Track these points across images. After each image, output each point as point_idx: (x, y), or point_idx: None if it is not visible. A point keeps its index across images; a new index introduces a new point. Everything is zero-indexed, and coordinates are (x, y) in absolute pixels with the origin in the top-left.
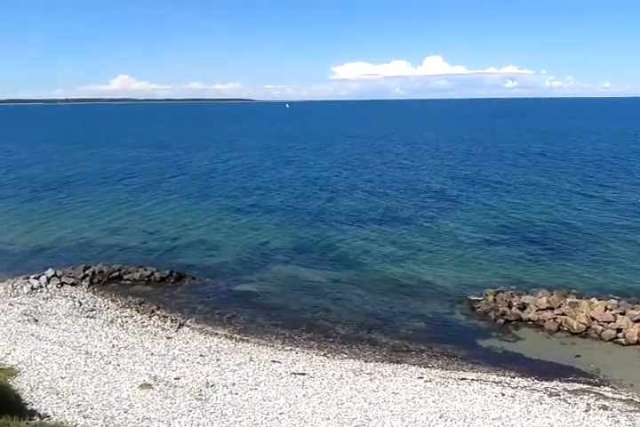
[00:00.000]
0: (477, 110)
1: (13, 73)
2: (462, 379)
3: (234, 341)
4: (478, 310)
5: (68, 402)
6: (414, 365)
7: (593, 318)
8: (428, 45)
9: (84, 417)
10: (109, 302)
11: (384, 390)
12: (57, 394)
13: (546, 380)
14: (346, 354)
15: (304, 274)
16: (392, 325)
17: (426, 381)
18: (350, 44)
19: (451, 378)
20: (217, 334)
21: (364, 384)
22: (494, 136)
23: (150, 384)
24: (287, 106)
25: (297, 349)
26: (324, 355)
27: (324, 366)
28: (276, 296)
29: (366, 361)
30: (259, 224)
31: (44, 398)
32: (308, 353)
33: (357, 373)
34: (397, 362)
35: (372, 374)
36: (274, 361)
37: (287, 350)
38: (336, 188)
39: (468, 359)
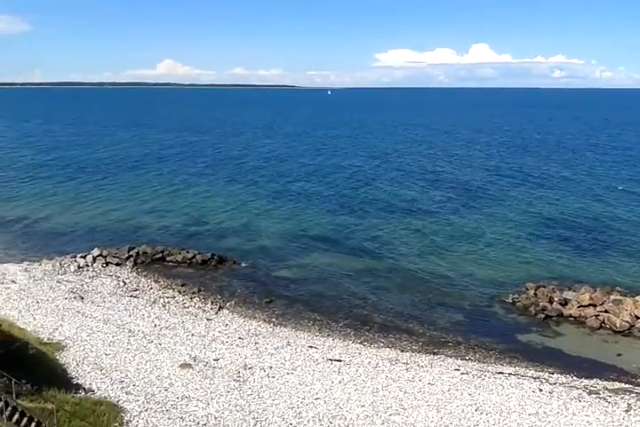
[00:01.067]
0: (523, 100)
1: (64, 57)
2: (499, 373)
3: (272, 325)
4: (518, 304)
5: (111, 378)
6: (451, 357)
7: (637, 317)
8: (474, 33)
9: (127, 393)
10: (152, 283)
11: (420, 380)
12: (101, 370)
13: (585, 377)
14: (382, 343)
15: (342, 262)
16: (429, 316)
17: (462, 373)
18: (395, 31)
19: (488, 371)
20: (255, 317)
21: (400, 374)
22: (537, 127)
23: (190, 364)
24: (329, 93)
25: (333, 335)
26: (361, 343)
27: (360, 353)
28: (314, 283)
29: (402, 351)
30: (299, 211)
31: (88, 373)
32: (344, 340)
33: (393, 362)
34: (434, 353)
35: (408, 363)
36: (311, 347)
37: (324, 337)
38: (375, 177)
39: (505, 353)
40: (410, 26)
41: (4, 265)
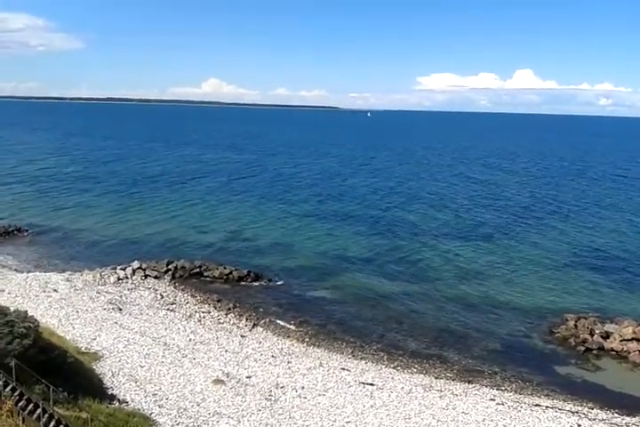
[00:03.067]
0: (567, 127)
1: (113, 73)
2: (536, 405)
3: (305, 345)
4: (557, 335)
5: (145, 390)
6: (486, 386)
7: None
8: (518, 58)
9: (159, 406)
10: (189, 297)
11: (454, 408)
12: (135, 382)
13: (627, 415)
14: (416, 369)
15: (377, 284)
16: (465, 343)
17: (498, 403)
18: (438, 55)
19: (524, 403)
20: (289, 336)
21: (434, 401)
22: (584, 155)
23: (223, 380)
24: (369, 114)
25: (366, 358)
26: (394, 367)
27: (393, 378)
28: (349, 304)
29: (436, 378)
30: (335, 231)
31: (123, 384)
32: (377, 364)
33: (427, 389)
34: (469, 382)
35: (441, 391)
36: (343, 369)
37: (357, 359)
38: (413, 199)
39: (543, 385)
40: (453, 50)
41: (48, 274)
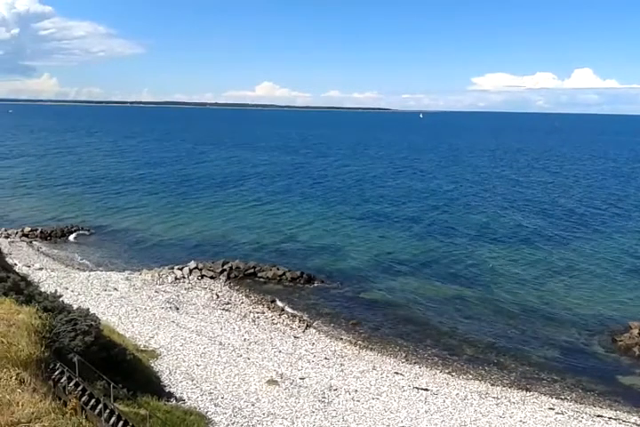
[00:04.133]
0: (631, 128)
1: (171, 78)
2: (598, 416)
3: (358, 347)
4: (620, 343)
5: (201, 389)
6: (545, 394)
7: None
8: (576, 57)
9: (215, 405)
10: (243, 297)
11: (511, 417)
12: (192, 380)
13: None
14: (471, 375)
15: (431, 288)
16: (522, 349)
17: (557, 413)
18: (492, 55)
19: (585, 413)
20: (342, 338)
21: (490, 408)
22: None
23: (277, 381)
24: (420, 116)
25: (420, 363)
26: (449, 373)
27: (447, 384)
28: (402, 308)
29: (493, 384)
30: (386, 233)
31: (180, 382)
32: (431, 369)
33: (483, 395)
34: (526, 389)
35: (498, 398)
36: (397, 373)
37: (410, 364)
38: (466, 202)
39: (605, 395)
40: (509, 50)
41: (108, 273)
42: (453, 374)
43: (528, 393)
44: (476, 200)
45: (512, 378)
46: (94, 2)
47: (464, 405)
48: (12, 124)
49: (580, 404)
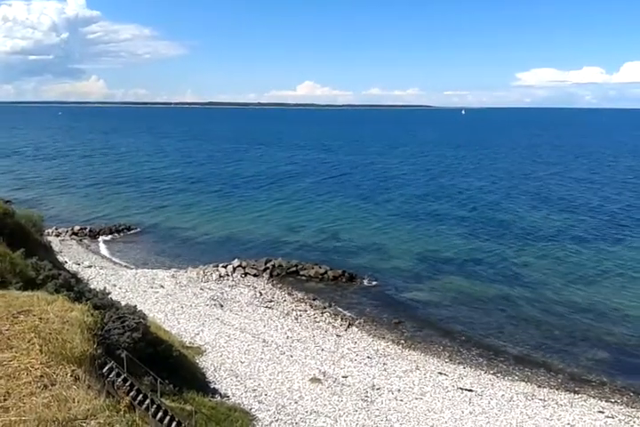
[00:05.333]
0: None
1: (215, 78)
2: None
3: (400, 347)
4: None
5: (245, 386)
6: (594, 397)
7: None
8: (626, 50)
9: (259, 402)
10: (286, 295)
11: (558, 419)
12: (236, 377)
13: None
14: (517, 376)
15: (476, 288)
16: (571, 351)
17: (607, 416)
18: (538, 50)
19: (637, 418)
20: (384, 337)
21: (537, 410)
22: None
23: (319, 379)
24: (463, 112)
25: (465, 363)
26: (494, 374)
27: (492, 385)
28: (446, 307)
29: (539, 386)
30: (428, 231)
31: (224, 378)
32: (476, 370)
33: (529, 397)
34: (575, 392)
35: (545, 400)
36: (440, 373)
37: (454, 364)
38: (509, 200)
39: None
40: (554, 44)
41: (155, 270)
42: (498, 375)
43: (576, 395)
44: (520, 198)
45: (559, 380)
46: (140, 5)
47: (510, 406)
48: (61, 125)
49: (632, 408)
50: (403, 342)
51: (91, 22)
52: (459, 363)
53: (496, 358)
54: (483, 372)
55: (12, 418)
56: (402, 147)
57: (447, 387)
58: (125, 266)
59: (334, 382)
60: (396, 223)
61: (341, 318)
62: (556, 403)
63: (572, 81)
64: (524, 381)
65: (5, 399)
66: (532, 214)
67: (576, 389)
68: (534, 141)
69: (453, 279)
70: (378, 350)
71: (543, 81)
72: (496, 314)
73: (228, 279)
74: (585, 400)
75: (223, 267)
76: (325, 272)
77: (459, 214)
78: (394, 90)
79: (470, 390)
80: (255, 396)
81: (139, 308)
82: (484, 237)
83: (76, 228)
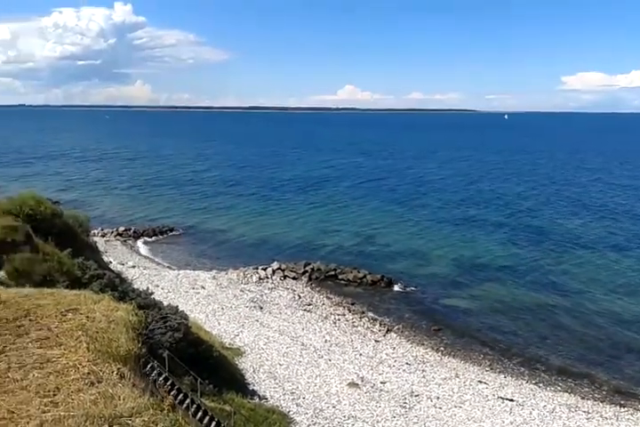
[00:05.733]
0: None
1: (256, 83)
2: None
3: (440, 354)
4: None
5: (283, 388)
6: None
7: None
8: None
9: (297, 405)
10: (324, 299)
11: None
12: (274, 379)
13: None
14: (560, 387)
15: (517, 295)
16: (615, 362)
17: None
18: (584, 53)
19: None
20: (423, 344)
21: (580, 423)
22: None
23: (357, 384)
24: (506, 117)
25: (505, 372)
26: (535, 384)
27: (534, 395)
28: (486, 315)
29: (583, 398)
30: (468, 237)
31: (263, 380)
32: (517, 379)
33: (572, 409)
34: (620, 405)
35: (589, 413)
36: (480, 381)
37: (495, 373)
38: (551, 206)
39: None
40: (601, 47)
41: (196, 272)
42: (540, 385)
43: (622, 409)
44: (560, 204)
45: (604, 392)
46: (184, 11)
47: (552, 418)
48: (109, 128)
49: None
50: (442, 349)
51: (137, 28)
52: (499, 372)
53: (538, 368)
54: (524, 382)
55: (62, 413)
56: (441, 151)
57: (487, 396)
58: (168, 267)
59: (372, 387)
60: (434, 228)
61: (380, 324)
62: (601, 416)
63: (619, 85)
64: (566, 392)
65: (55, 394)
66: (573, 221)
67: (622, 402)
68: (578, 147)
69: (492, 287)
70: (417, 356)
71: (589, 85)
72: (536, 323)
73: (267, 282)
74: (632, 414)
75: (263, 269)
76: (364, 276)
77: (497, 220)
78: (435, 94)
79: (511, 400)
80: (293, 399)
81: (180, 308)
82: (523, 244)
83: (121, 229)
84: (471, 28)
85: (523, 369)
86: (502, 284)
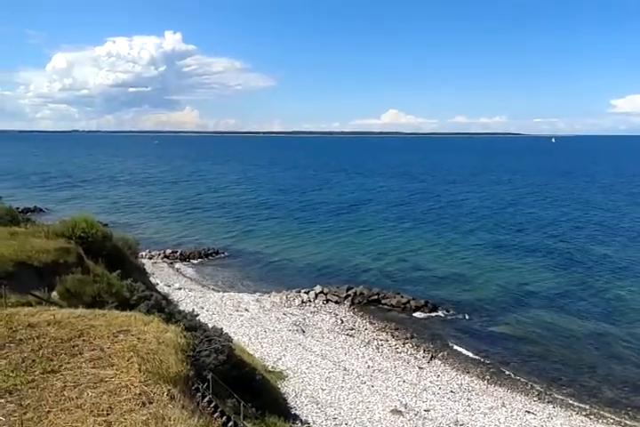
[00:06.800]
0: None
1: (301, 108)
2: None
3: (486, 382)
4: None
5: (325, 413)
6: None
7: None
8: None
9: None
10: (367, 324)
11: None
12: (317, 404)
13: None
14: (612, 419)
15: (566, 323)
16: None
17: None
18: (634, 76)
19: None
20: (468, 372)
21: None
22: None
23: (401, 411)
24: (553, 140)
25: (555, 403)
26: (586, 416)
27: None
28: (533, 343)
29: None
30: (513, 263)
31: (305, 405)
32: (566, 410)
33: None
34: None
35: None
36: (528, 412)
37: (543, 403)
38: (602, 231)
39: None
40: None
41: (240, 294)
42: (592, 417)
43: None
44: (613, 230)
45: None
46: (232, 39)
47: None
48: (157, 153)
49: None
50: (488, 377)
51: (186, 56)
52: (548, 402)
53: (589, 399)
54: (574, 413)
55: None
56: (486, 175)
57: None
58: (213, 289)
59: (416, 415)
60: (478, 253)
61: (424, 350)
62: None
63: None
64: (620, 425)
65: (108, 414)
66: (625, 249)
67: None
68: (629, 171)
69: (538, 313)
70: (462, 384)
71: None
72: (586, 352)
73: (309, 305)
74: None
75: (305, 293)
76: (407, 302)
77: (540, 245)
78: (480, 117)
79: None
80: (336, 424)
81: (224, 330)
82: (572, 271)
83: (168, 251)
84: (519, 51)
85: (572, 400)
86: (548, 310)
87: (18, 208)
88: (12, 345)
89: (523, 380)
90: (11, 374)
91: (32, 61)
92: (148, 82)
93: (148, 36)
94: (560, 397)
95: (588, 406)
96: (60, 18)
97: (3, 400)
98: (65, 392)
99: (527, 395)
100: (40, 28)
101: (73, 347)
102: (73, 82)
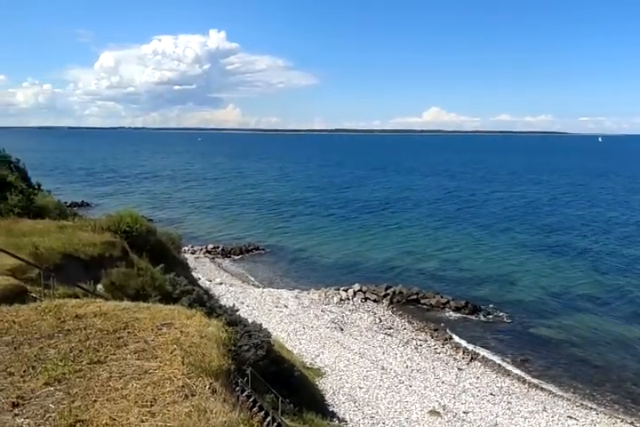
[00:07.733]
0: None
1: (342, 106)
2: None
3: (527, 386)
4: None
5: (363, 412)
6: None
7: None
8: None
9: None
10: (406, 323)
11: None
12: (354, 402)
13: None
14: None
15: (612, 328)
16: None
17: None
18: None
19: None
20: (509, 375)
21: None
22: None
23: (439, 412)
24: (599, 139)
25: (598, 409)
26: (631, 423)
27: None
28: (578, 347)
29: None
30: (557, 265)
31: (343, 403)
32: (610, 417)
33: None
34: None
35: None
36: (570, 417)
37: (586, 409)
38: None
39: None
40: None
41: (279, 290)
42: (637, 425)
43: None
44: None
45: None
46: (275, 37)
47: None
48: (200, 150)
49: None
50: (529, 380)
51: (230, 54)
52: (591, 408)
53: (634, 407)
54: (619, 420)
55: (159, 423)
56: (530, 175)
57: None
58: (253, 284)
59: (454, 416)
60: (521, 254)
61: (463, 351)
62: None
63: None
64: None
65: (152, 405)
66: None
67: None
68: None
69: (582, 317)
70: (502, 387)
71: None
72: (631, 358)
73: (348, 303)
74: None
75: (344, 290)
76: (447, 302)
77: (593, 247)
78: (524, 116)
79: None
80: (373, 423)
81: (264, 326)
82: (622, 273)
83: (210, 246)
84: (565, 47)
85: (617, 406)
86: (593, 314)
87: (66, 202)
88: (60, 335)
89: (565, 384)
90: (59, 364)
91: (80, 60)
92: (193, 80)
93: (192, 34)
94: (604, 403)
95: (633, 413)
96: (108, 17)
97: (52, 388)
98: (110, 383)
99: (569, 400)
100: (88, 27)
101: (118, 339)
102: (120, 80)
